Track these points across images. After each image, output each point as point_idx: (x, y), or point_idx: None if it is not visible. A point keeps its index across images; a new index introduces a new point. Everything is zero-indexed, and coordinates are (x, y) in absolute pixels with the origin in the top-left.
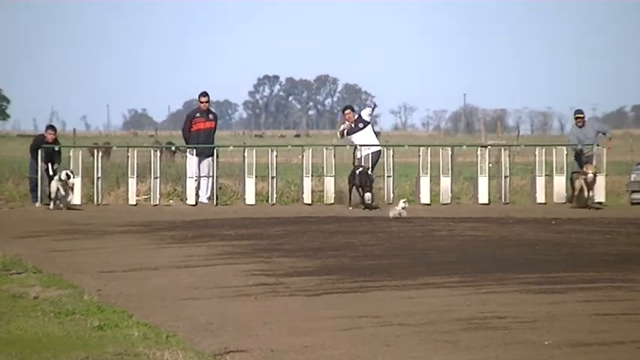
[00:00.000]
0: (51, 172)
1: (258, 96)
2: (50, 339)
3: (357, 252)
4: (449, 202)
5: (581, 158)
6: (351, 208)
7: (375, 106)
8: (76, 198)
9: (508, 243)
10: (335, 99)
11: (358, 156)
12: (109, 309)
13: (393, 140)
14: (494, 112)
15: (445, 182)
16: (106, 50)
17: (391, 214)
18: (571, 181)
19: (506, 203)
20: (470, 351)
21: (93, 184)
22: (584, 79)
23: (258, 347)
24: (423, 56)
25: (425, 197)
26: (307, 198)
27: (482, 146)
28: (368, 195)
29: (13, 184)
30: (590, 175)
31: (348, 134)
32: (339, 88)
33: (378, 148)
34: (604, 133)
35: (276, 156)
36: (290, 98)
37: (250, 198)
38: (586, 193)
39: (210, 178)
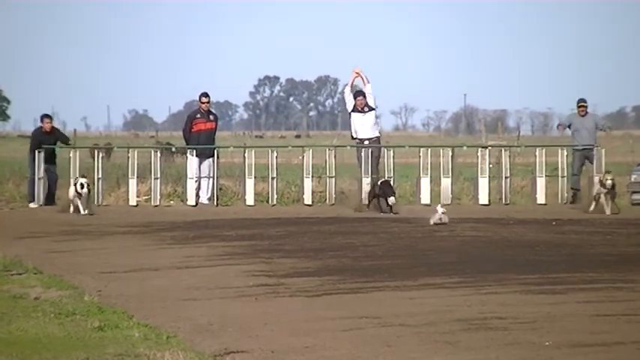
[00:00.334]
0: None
1: (258, 97)
2: (51, 340)
3: (357, 252)
4: (449, 202)
5: (576, 156)
6: (368, 208)
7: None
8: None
9: (509, 244)
10: (335, 100)
11: (356, 136)
12: (110, 310)
13: (393, 141)
14: (495, 112)
15: (445, 183)
16: (106, 50)
17: (432, 220)
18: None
19: (507, 204)
20: (470, 352)
21: (93, 184)
22: (585, 79)
23: (259, 348)
24: (424, 57)
25: (425, 198)
26: (308, 199)
27: (482, 147)
28: (392, 199)
29: (14, 185)
30: (609, 182)
31: (352, 110)
32: (339, 89)
33: (377, 135)
34: (603, 130)
35: (276, 157)
36: (290, 99)
37: (250, 199)
38: (607, 206)
39: (211, 179)
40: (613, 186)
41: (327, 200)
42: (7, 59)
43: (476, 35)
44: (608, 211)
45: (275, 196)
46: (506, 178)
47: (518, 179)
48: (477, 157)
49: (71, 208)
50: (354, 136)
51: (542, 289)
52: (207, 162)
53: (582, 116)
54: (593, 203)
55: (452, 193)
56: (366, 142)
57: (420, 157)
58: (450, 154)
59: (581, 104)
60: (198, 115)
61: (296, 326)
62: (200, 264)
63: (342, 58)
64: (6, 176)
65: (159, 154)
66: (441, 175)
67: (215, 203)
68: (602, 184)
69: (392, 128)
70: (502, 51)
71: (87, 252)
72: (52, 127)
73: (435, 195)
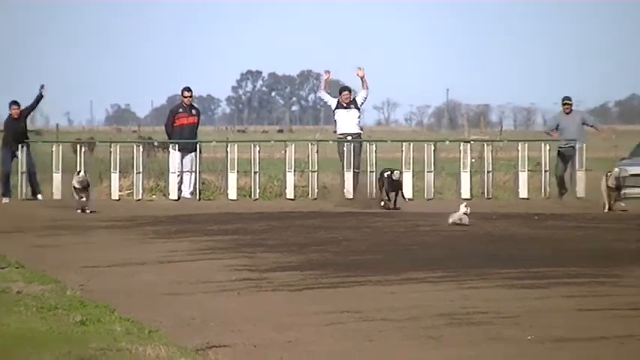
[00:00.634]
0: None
1: (241, 91)
2: (33, 334)
3: (340, 247)
4: (432, 197)
5: (561, 150)
6: (382, 203)
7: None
8: (57, 193)
9: (492, 238)
10: (318, 94)
11: (338, 132)
12: (92, 304)
13: (376, 135)
14: (478, 107)
15: (428, 178)
16: (89, 46)
17: (450, 219)
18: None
19: (489, 198)
20: (453, 346)
21: None
22: (568, 74)
23: (241, 342)
24: (406, 52)
25: (408, 192)
26: (290, 193)
27: (465, 141)
28: (397, 173)
29: None
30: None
31: (335, 107)
32: None
33: (359, 131)
34: (590, 125)
35: (259, 151)
36: (273, 93)
37: (233, 193)
38: (609, 202)
39: (193, 174)
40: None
41: (310, 195)
42: None
43: (458, 30)
44: (605, 209)
45: (257, 191)
46: (488, 172)
47: (500, 174)
48: (460, 151)
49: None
50: (336, 132)
51: (525, 283)
52: (190, 156)
53: (567, 114)
54: (606, 203)
55: (434, 188)
56: (348, 138)
57: (402, 151)
58: (433, 148)
59: (566, 102)
60: (181, 110)
61: (278, 320)
62: (183, 258)
63: (324, 52)
64: None
65: (141, 149)
66: (425, 170)
67: (197, 198)
68: (617, 181)
69: (374, 123)
70: (485, 46)
71: (69, 246)
72: (20, 112)
73: (419, 190)
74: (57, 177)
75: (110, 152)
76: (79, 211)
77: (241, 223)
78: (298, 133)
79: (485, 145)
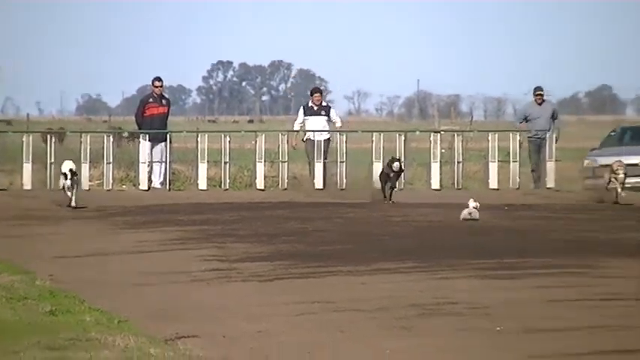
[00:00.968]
0: None
1: (211, 81)
2: (2, 324)
3: (311, 238)
4: (402, 187)
5: (532, 141)
6: (386, 202)
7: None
8: (27, 184)
9: (463, 229)
10: (289, 84)
11: (307, 137)
12: (62, 294)
13: (346, 126)
14: (448, 97)
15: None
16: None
17: (461, 216)
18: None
19: (459, 189)
20: (424, 337)
21: (46, 169)
22: (539, 65)
23: (211, 333)
24: (377, 42)
25: (378, 183)
26: (260, 183)
27: (435, 132)
28: (396, 164)
29: None
30: (621, 177)
31: (306, 115)
32: (292, 74)
33: (328, 135)
34: (556, 121)
35: (229, 141)
36: (244, 84)
37: (203, 183)
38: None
39: (163, 164)
40: (625, 176)
41: (280, 185)
42: None
43: (429, 20)
44: (620, 198)
45: (228, 181)
46: (458, 163)
47: (470, 164)
48: (430, 142)
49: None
50: (304, 138)
51: (496, 274)
52: (160, 146)
53: (539, 104)
54: (612, 193)
55: (405, 178)
56: (317, 140)
57: (372, 142)
58: (403, 139)
59: (538, 92)
60: (151, 100)
61: (248, 311)
62: (153, 249)
63: (295, 42)
64: None
65: (111, 139)
66: None
67: (168, 188)
68: (614, 172)
69: (345, 113)
70: (455, 36)
71: (39, 237)
72: None
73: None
74: (27, 167)
75: (80, 142)
76: (69, 206)
77: (211, 214)
78: (269, 123)
79: (456, 135)
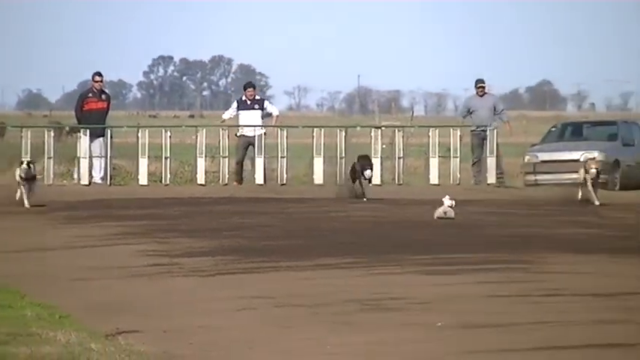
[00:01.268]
0: None
1: (152, 76)
2: None
3: (253, 233)
4: (343, 183)
5: (474, 140)
6: (365, 199)
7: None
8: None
9: (403, 224)
10: (229, 80)
11: (240, 133)
12: (3, 289)
13: (287, 121)
14: (389, 93)
15: (340, 163)
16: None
17: (436, 214)
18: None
19: (400, 184)
20: (365, 332)
21: None
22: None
23: (152, 328)
24: (318, 37)
25: (319, 179)
26: (201, 179)
27: (376, 127)
28: (368, 172)
29: None
30: (593, 171)
31: (240, 109)
32: (233, 69)
33: (263, 130)
34: (497, 114)
35: (170, 136)
36: (184, 79)
37: (144, 178)
38: (595, 196)
39: (104, 159)
40: (597, 174)
41: (221, 180)
42: None
43: (369, 15)
44: (596, 202)
45: (169, 176)
46: (399, 158)
47: (411, 160)
48: (371, 137)
49: (17, 194)
50: (237, 133)
51: (437, 269)
52: (98, 141)
53: (481, 96)
54: (580, 192)
55: (345, 174)
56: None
57: (313, 137)
58: (344, 134)
59: (480, 85)
60: (90, 95)
61: (190, 306)
62: (94, 244)
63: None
64: None
65: (52, 134)
66: (337, 156)
67: (108, 183)
68: (586, 171)
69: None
70: (396, 31)
71: None
72: None
73: (329, 175)
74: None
75: (21, 137)
76: (17, 197)
77: (153, 209)
78: (209, 118)
79: (397, 130)
